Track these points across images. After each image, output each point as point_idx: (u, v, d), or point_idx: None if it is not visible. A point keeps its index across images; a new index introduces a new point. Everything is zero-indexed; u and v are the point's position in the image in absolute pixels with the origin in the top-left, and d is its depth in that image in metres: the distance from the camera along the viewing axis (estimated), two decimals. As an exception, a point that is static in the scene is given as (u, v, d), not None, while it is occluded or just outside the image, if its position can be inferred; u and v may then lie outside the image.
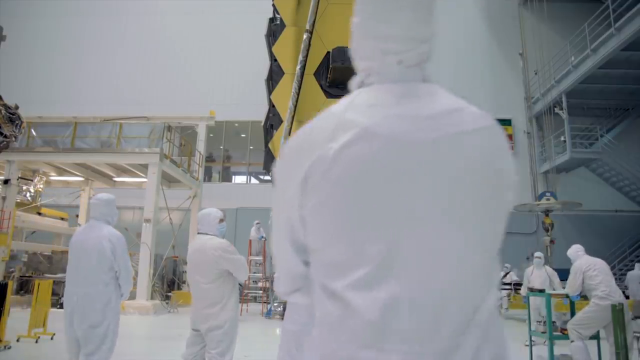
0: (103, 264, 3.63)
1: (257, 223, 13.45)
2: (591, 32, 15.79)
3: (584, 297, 5.59)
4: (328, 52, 10.18)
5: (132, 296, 12.18)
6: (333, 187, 0.87)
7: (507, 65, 20.47)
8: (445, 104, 0.91)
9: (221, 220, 3.85)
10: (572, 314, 5.83)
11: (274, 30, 11.54)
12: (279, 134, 10.09)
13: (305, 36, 9.77)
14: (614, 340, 4.85)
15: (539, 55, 18.42)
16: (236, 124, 21.40)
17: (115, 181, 17.48)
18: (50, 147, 14.17)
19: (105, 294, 3.63)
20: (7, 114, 8.58)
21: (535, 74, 19.15)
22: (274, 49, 11.01)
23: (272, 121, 10.65)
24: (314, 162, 0.88)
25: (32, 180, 15.35)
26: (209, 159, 21.03)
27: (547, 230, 13.90)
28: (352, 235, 0.86)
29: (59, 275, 12.54)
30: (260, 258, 13.17)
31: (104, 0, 22.30)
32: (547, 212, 14.15)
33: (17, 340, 7.21)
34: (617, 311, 4.84)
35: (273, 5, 11.70)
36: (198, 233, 3.87)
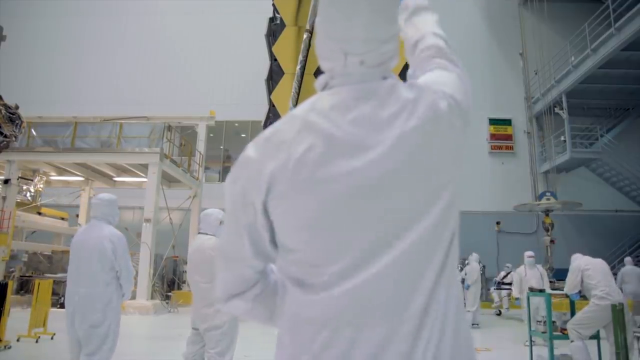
0: (104, 264, 3.63)
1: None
2: (591, 32, 15.78)
3: (584, 297, 5.60)
4: (328, 52, 10.17)
5: (133, 296, 12.18)
6: (300, 192, 0.89)
7: (507, 65, 20.46)
8: (403, 100, 0.92)
9: (222, 222, 3.87)
10: (572, 313, 5.84)
11: (274, 30, 11.55)
12: (279, 134, 10.07)
13: (305, 36, 9.76)
14: (614, 340, 4.85)
15: (539, 55, 18.41)
16: (236, 124, 21.40)
17: (115, 181, 17.49)
18: (50, 147, 14.18)
19: (106, 294, 3.63)
20: (8, 114, 8.58)
21: (536, 73, 19.14)
22: (274, 48, 11.02)
23: (272, 121, 10.57)
24: (279, 166, 0.90)
25: (32, 180, 15.35)
26: (211, 158, 21.05)
27: (547, 230, 13.90)
28: (325, 236, 0.89)
29: (59, 275, 12.55)
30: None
31: (104, 1, 22.29)
32: (547, 212, 14.16)
33: (18, 340, 7.22)
34: (617, 311, 4.84)
35: (273, 5, 11.70)
36: (199, 233, 3.91)
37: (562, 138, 17.60)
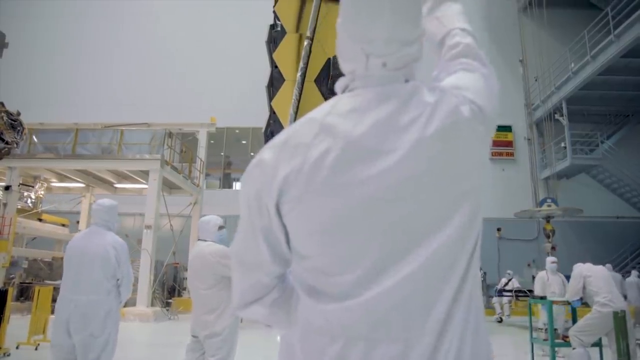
0: (107, 272, 3.58)
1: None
2: (591, 39, 15.84)
3: (585, 304, 5.57)
4: (329, 59, 10.21)
5: (133, 303, 12.14)
6: (315, 196, 0.86)
7: (508, 72, 20.51)
8: (423, 104, 0.89)
9: (221, 227, 3.87)
10: (574, 321, 5.81)
11: (275, 36, 11.59)
12: (280, 140, 10.08)
13: (306, 43, 9.81)
14: (617, 347, 4.82)
15: (539, 62, 18.47)
16: (237, 131, 21.44)
17: (116, 187, 17.48)
18: (51, 154, 14.21)
19: (107, 302, 3.59)
20: (9, 121, 8.61)
21: (536, 80, 19.20)
22: (274, 55, 11.06)
23: (273, 128, 10.67)
24: (294, 170, 0.88)
25: (33, 187, 15.37)
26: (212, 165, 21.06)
27: (548, 237, 13.89)
28: (339, 243, 0.86)
29: (59, 282, 12.49)
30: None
31: (104, 9, 22.42)
32: (548, 219, 14.15)
33: (17, 348, 7.17)
34: (618, 318, 4.81)
35: (274, 11, 11.75)
36: (198, 239, 3.92)
37: (563, 144, 17.62)
